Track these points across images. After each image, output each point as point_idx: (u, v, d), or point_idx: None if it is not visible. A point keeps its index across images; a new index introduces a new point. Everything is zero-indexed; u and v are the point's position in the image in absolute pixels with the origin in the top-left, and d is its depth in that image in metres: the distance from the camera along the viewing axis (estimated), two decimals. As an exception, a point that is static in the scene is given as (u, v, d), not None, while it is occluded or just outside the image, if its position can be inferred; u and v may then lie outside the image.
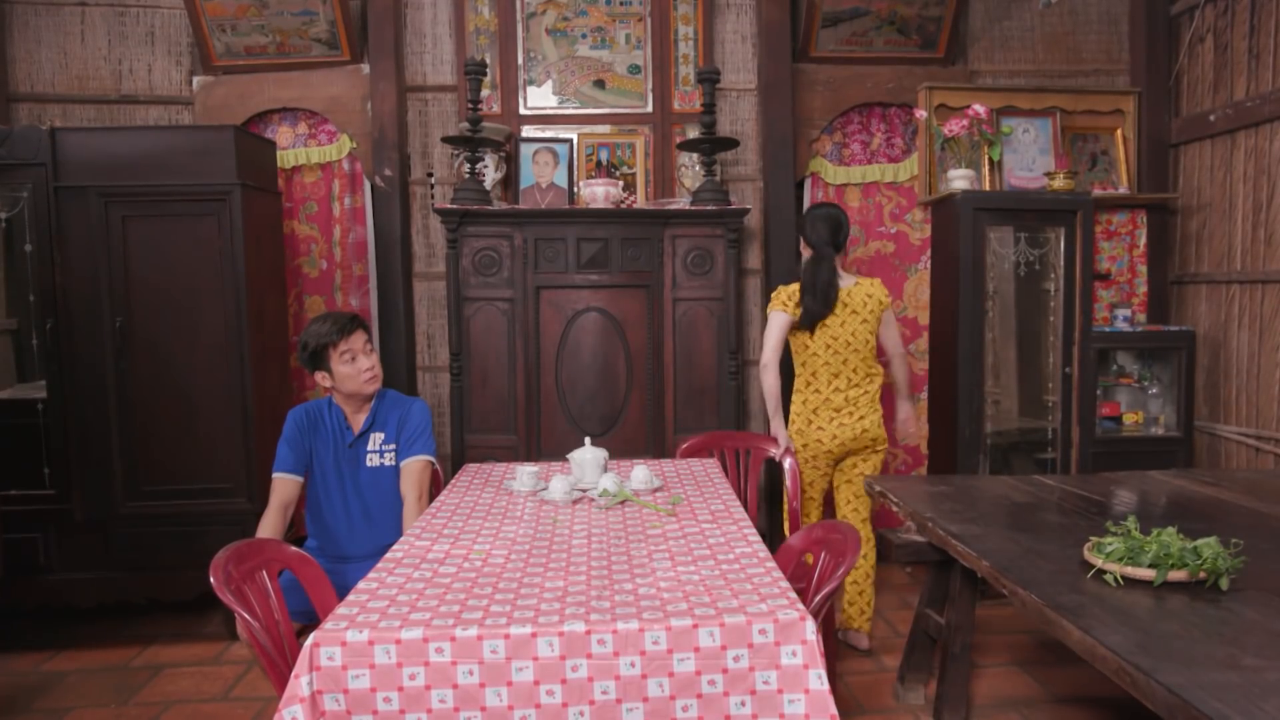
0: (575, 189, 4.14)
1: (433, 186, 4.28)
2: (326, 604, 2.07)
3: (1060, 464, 3.87)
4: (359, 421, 2.70)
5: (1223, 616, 1.68)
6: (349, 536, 2.67)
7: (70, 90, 4.20)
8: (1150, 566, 1.83)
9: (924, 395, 4.21)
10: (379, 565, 1.95)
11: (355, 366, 2.61)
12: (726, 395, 3.77)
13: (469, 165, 3.78)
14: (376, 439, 2.70)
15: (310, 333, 2.61)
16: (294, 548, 2.21)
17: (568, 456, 2.76)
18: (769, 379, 3.09)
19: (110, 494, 3.33)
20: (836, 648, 3.16)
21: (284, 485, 2.61)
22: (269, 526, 2.53)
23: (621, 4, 4.21)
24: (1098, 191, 4.06)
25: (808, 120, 4.24)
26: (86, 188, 3.25)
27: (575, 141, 4.19)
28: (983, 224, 3.74)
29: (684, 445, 3.31)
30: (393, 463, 2.69)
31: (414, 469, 2.65)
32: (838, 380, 3.14)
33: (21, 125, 3.58)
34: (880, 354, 3.26)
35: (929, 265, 4.15)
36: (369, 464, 2.69)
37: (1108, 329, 3.91)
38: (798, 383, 3.23)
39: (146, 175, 3.27)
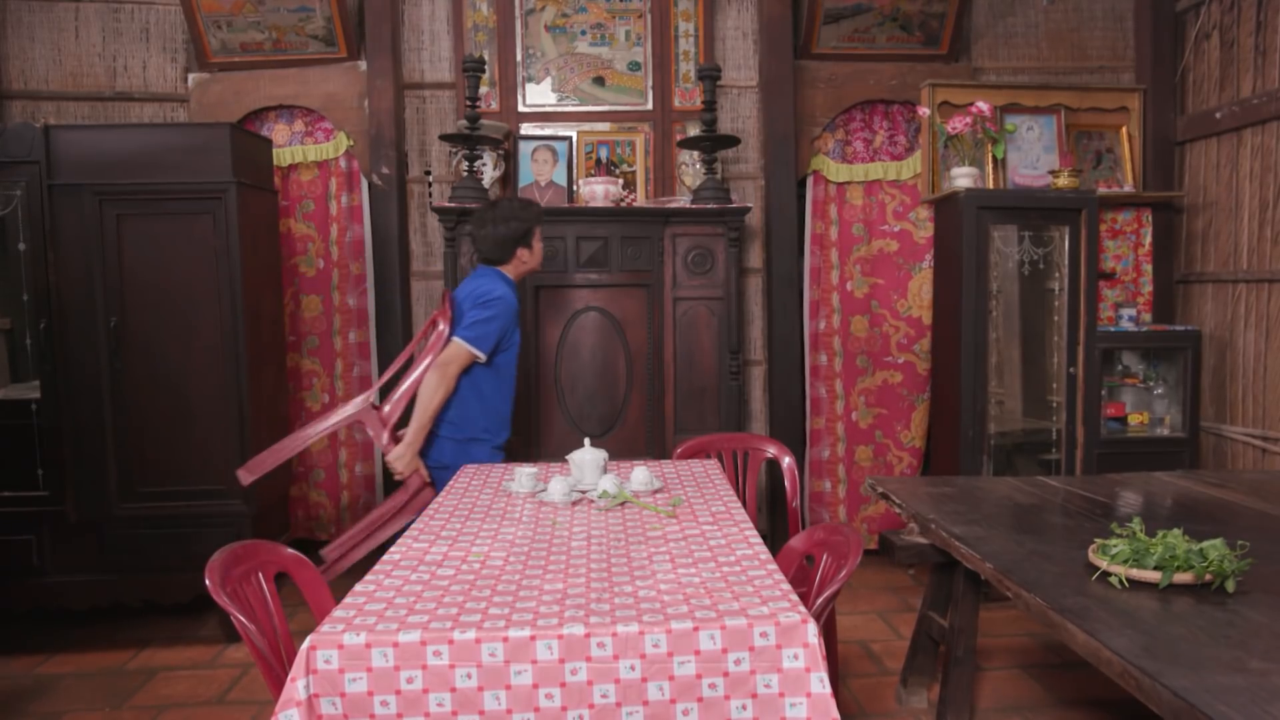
0: (574, 187, 4.11)
1: (430, 185, 4.25)
2: (323, 607, 2.04)
3: (1064, 465, 3.84)
4: None
5: (1229, 619, 1.66)
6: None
7: (64, 87, 4.17)
8: (1156, 569, 1.82)
9: (927, 395, 4.18)
10: (375, 567, 1.92)
11: (541, 245, 3.10)
12: (727, 395, 3.74)
13: (467, 163, 3.76)
14: None
15: (521, 211, 2.98)
16: (290, 550, 2.18)
17: (567, 457, 2.73)
18: None
19: (105, 495, 3.31)
20: (838, 651, 3.14)
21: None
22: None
23: (621, 0, 4.18)
24: (1102, 190, 4.03)
25: (809, 118, 4.21)
26: (81, 186, 3.22)
27: (574, 139, 4.16)
28: (986, 222, 3.72)
29: (680, 448, 3.26)
30: None
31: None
32: None
33: (15, 122, 3.54)
34: None
35: (932, 263, 4.12)
36: None
37: (1112, 329, 3.88)
38: None
39: (141, 173, 3.25)
